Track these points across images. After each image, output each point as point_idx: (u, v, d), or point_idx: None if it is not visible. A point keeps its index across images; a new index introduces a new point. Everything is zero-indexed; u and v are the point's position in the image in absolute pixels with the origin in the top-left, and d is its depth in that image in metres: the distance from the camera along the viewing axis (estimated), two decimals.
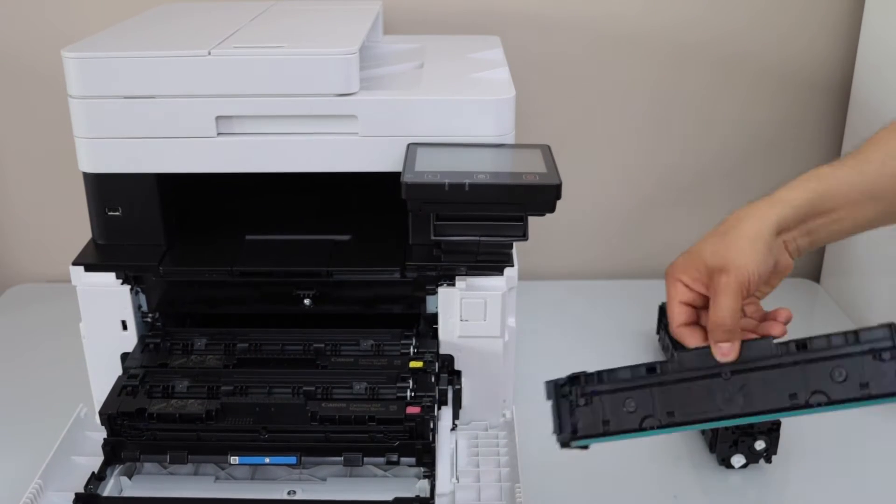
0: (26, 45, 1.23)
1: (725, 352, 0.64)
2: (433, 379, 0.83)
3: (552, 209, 0.80)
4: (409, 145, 0.85)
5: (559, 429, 0.67)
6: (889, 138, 0.70)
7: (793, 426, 0.94)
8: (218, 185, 0.92)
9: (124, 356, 0.88)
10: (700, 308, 0.68)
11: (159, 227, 0.89)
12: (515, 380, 0.95)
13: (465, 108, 0.85)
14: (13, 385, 1.07)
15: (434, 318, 0.89)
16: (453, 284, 0.87)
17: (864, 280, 1.19)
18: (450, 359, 0.90)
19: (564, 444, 0.67)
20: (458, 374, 0.91)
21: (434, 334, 0.89)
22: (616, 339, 1.16)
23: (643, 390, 0.65)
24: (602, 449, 0.89)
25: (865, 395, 0.60)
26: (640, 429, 0.66)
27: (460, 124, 0.85)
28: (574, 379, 0.67)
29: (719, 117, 1.29)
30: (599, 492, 0.87)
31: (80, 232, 0.91)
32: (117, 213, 0.88)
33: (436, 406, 0.82)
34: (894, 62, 1.12)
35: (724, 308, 0.64)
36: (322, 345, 0.86)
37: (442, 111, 0.85)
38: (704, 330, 0.67)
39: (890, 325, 0.60)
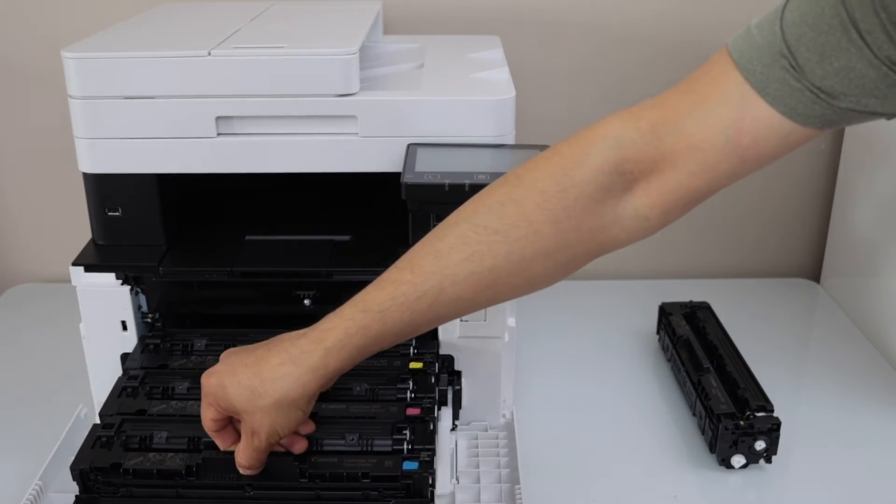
0: (26, 45, 1.23)
1: (247, 471, 0.71)
2: (433, 379, 0.83)
3: None
4: (409, 145, 0.85)
5: None
6: (459, 238, 0.67)
7: (794, 426, 0.94)
8: (218, 185, 0.92)
9: (124, 357, 0.88)
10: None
11: (159, 227, 0.89)
12: (515, 380, 0.95)
13: (465, 108, 0.85)
14: (13, 385, 1.07)
15: None
16: None
17: (864, 280, 1.19)
18: (450, 359, 0.90)
19: None
20: (458, 374, 0.91)
21: (434, 334, 0.89)
22: (616, 339, 1.16)
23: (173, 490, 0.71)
24: (602, 449, 0.89)
25: None
26: None
27: (460, 124, 0.85)
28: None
29: None
30: (599, 492, 0.87)
31: (80, 232, 0.91)
32: (117, 214, 0.88)
33: (436, 407, 0.82)
34: None
35: (251, 458, 0.70)
36: None
37: (442, 111, 0.85)
38: (236, 431, 0.72)
39: None
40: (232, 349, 0.73)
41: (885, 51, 0.55)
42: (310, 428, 0.74)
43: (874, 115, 0.59)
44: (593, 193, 0.63)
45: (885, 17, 0.54)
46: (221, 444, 0.72)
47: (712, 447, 0.91)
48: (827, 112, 0.59)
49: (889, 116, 0.60)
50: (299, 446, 0.73)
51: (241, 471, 0.71)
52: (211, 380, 0.70)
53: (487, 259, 0.65)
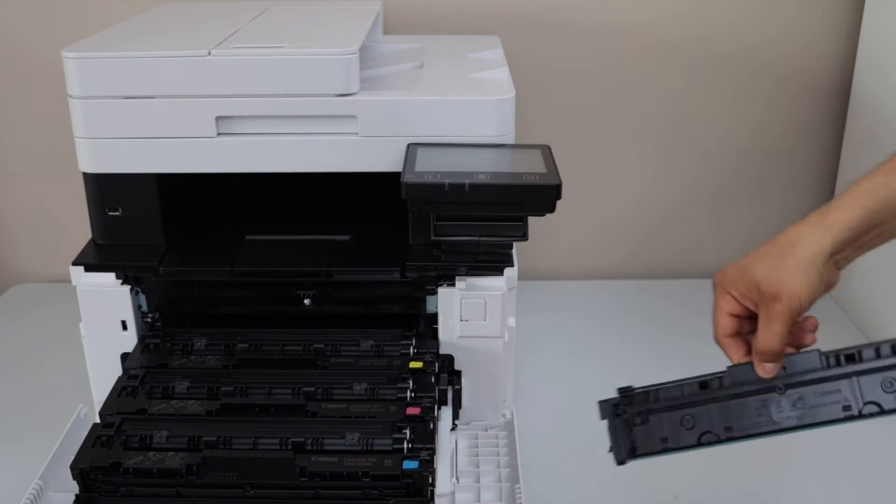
0: (26, 45, 1.23)
1: (769, 371, 0.67)
2: (433, 379, 0.83)
3: (552, 209, 0.80)
4: (409, 145, 0.85)
5: (617, 448, 0.70)
6: None
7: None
8: (218, 185, 0.92)
9: (124, 356, 0.88)
10: (744, 318, 0.70)
11: (159, 227, 0.89)
12: (515, 380, 0.95)
13: (465, 108, 0.85)
14: (13, 385, 1.07)
15: (434, 318, 0.89)
16: (453, 284, 0.87)
17: (864, 280, 1.19)
18: (450, 359, 0.90)
19: (621, 462, 0.69)
20: (458, 374, 0.91)
21: (434, 334, 0.89)
22: (616, 340, 1.16)
23: (699, 407, 0.68)
24: (602, 449, 0.89)
25: None
26: (698, 444, 0.68)
27: (460, 124, 0.85)
28: (626, 396, 0.69)
29: (719, 116, 1.29)
30: (599, 492, 0.88)
31: (80, 232, 0.91)
32: (117, 213, 0.88)
33: (436, 406, 0.82)
34: (894, 61, 1.12)
35: (774, 336, 0.66)
36: (322, 345, 0.85)
37: (442, 111, 0.85)
38: (746, 342, 0.70)
39: None
40: None
41: None
42: (813, 322, 0.70)
43: None
44: None
45: None
46: (734, 355, 0.70)
47: None
48: None
49: None
50: (810, 337, 0.69)
51: (762, 365, 0.67)
52: (726, 270, 0.69)
53: None
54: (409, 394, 0.80)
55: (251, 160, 0.86)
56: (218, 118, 0.84)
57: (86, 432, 0.77)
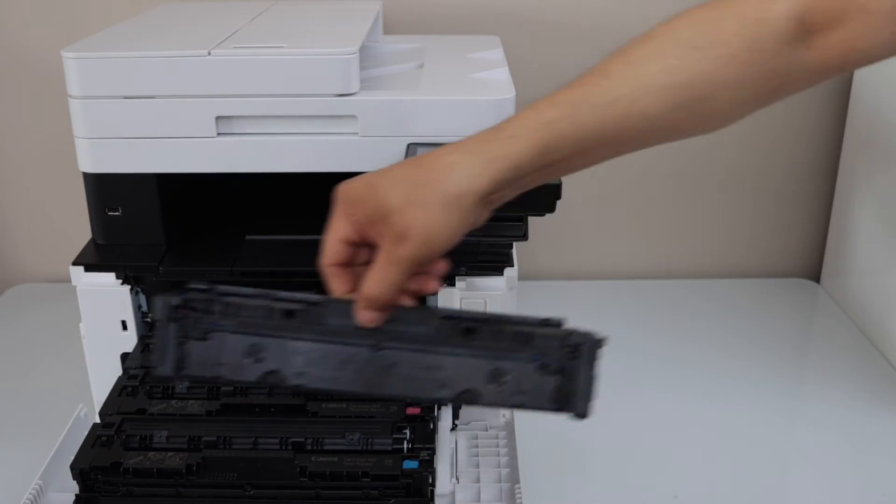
0: (26, 45, 1.23)
1: (368, 319, 0.57)
2: None
3: (552, 209, 0.80)
4: (409, 145, 0.85)
5: (162, 359, 0.57)
6: (655, 50, 0.62)
7: (793, 426, 0.94)
8: (218, 185, 0.92)
9: (124, 356, 0.88)
10: (361, 245, 0.59)
11: (159, 227, 0.89)
12: None
13: (465, 108, 0.85)
14: (13, 385, 1.07)
15: None
16: (453, 284, 0.87)
17: (864, 280, 1.19)
18: None
19: (165, 376, 0.58)
20: None
21: None
22: (616, 340, 1.16)
23: (275, 339, 0.57)
24: (601, 449, 0.89)
25: (517, 404, 0.57)
26: (259, 383, 0.58)
27: (460, 124, 0.85)
28: (190, 300, 0.57)
29: None
30: (599, 492, 0.87)
31: (80, 232, 0.91)
32: (117, 213, 0.88)
33: (436, 406, 0.82)
34: (894, 61, 1.12)
35: (386, 282, 0.56)
36: None
37: (442, 111, 0.85)
38: (357, 276, 0.59)
39: (564, 336, 0.57)
40: None
41: None
42: (444, 266, 0.59)
43: None
44: (781, 34, 0.62)
45: None
46: (337, 288, 0.59)
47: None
48: None
49: None
50: (433, 285, 0.59)
51: (363, 311, 0.57)
52: (353, 185, 0.57)
53: (683, 74, 0.61)
54: None
55: (251, 160, 0.86)
56: (218, 118, 0.84)
57: (86, 432, 0.77)
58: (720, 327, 1.18)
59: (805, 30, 0.63)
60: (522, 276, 0.91)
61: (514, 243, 0.88)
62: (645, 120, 0.60)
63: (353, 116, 0.84)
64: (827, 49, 0.63)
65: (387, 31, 1.16)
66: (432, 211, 0.55)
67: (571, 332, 0.58)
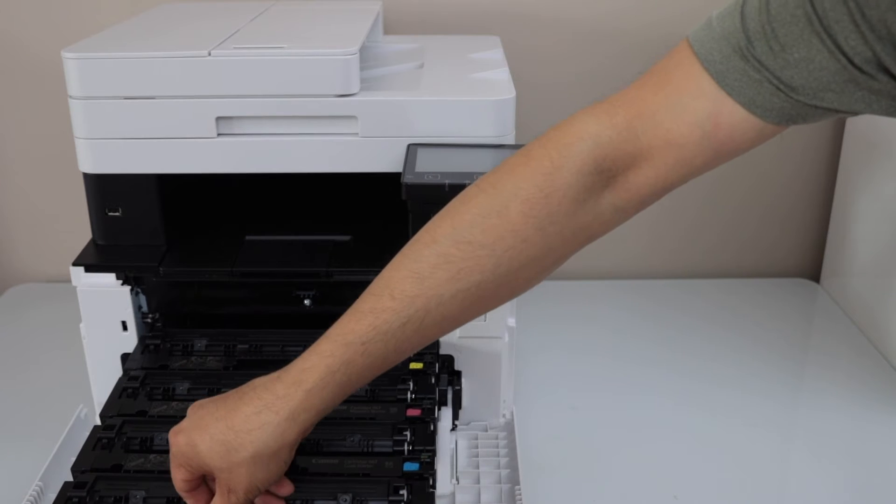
0: (26, 46, 1.23)
1: None
2: (433, 380, 0.83)
3: None
4: (409, 146, 0.85)
5: None
6: (441, 255, 0.63)
7: (793, 426, 0.94)
8: (218, 185, 0.92)
9: (124, 357, 0.88)
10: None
11: (159, 228, 0.89)
12: (515, 380, 0.95)
13: (465, 108, 0.85)
14: (13, 385, 1.07)
15: None
16: None
17: (864, 280, 1.19)
18: (450, 359, 0.90)
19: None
20: (458, 374, 0.91)
21: None
22: (616, 340, 1.16)
23: None
24: (601, 449, 0.89)
25: None
26: None
27: (460, 125, 0.85)
28: None
29: None
30: (599, 492, 0.88)
31: (80, 232, 0.91)
32: (117, 214, 0.88)
33: (436, 407, 0.82)
34: None
35: None
36: None
37: (442, 112, 0.85)
38: (210, 490, 0.67)
39: None
40: (199, 402, 0.67)
41: (852, 41, 0.54)
42: (288, 489, 0.68)
43: (831, 111, 0.58)
44: (576, 195, 0.62)
45: (853, 6, 0.53)
46: (196, 503, 0.67)
47: None
48: (785, 106, 0.58)
49: (847, 114, 0.59)
50: (285, 489, 0.68)
51: None
52: (179, 438, 0.65)
53: (475, 275, 0.62)
54: (409, 395, 0.80)
55: (251, 160, 0.86)
56: (218, 118, 0.84)
57: (86, 433, 0.78)
58: (720, 327, 1.18)
59: (606, 176, 0.63)
60: None
61: None
62: (444, 321, 0.64)
63: (354, 117, 0.84)
64: (635, 186, 0.63)
65: (387, 31, 1.16)
66: (250, 471, 0.63)
67: None
